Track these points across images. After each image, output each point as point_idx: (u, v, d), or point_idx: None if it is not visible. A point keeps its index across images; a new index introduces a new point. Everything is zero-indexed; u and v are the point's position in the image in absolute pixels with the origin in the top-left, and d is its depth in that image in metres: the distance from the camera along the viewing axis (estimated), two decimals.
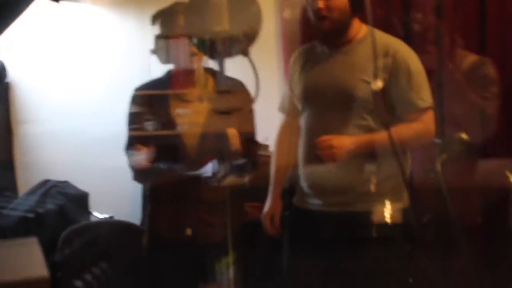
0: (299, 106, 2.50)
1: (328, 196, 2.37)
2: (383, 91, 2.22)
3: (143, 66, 2.86)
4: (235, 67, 2.11)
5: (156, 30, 2.62)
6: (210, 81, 2.55)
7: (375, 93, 2.20)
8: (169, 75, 2.65)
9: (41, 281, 1.71)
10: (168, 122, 2.50)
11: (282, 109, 2.70)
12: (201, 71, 2.53)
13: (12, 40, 3.57)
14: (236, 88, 2.49)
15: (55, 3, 3.53)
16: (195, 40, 2.07)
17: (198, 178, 2.49)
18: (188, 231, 2.49)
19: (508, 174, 2.54)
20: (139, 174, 2.47)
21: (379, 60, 2.27)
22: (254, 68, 2.06)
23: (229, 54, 2.01)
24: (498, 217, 2.71)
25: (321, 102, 2.42)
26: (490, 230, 2.71)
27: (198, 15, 2.04)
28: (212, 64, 2.41)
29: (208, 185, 2.48)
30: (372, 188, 2.31)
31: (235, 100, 2.40)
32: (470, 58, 2.96)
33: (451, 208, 2.08)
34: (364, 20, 2.41)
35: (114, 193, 3.53)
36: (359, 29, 2.42)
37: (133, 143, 2.47)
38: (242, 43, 2.03)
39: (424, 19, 2.83)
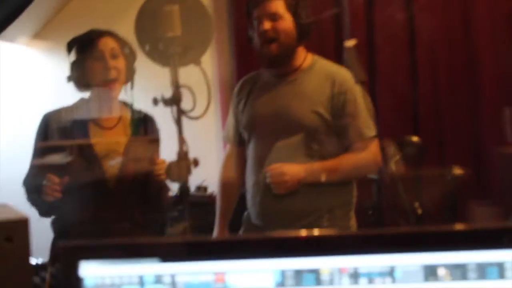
0: (245, 135, 2.45)
1: (276, 225, 2.29)
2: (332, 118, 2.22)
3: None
4: (185, 77, 2.05)
5: (71, 57, 2.54)
6: (126, 112, 2.48)
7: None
8: (83, 102, 2.54)
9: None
10: (87, 149, 2.38)
11: (226, 138, 2.64)
12: (117, 98, 2.46)
13: None
14: (151, 124, 2.41)
15: None
16: (147, 47, 2.01)
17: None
18: None
19: None
20: (48, 207, 2.29)
21: (326, 89, 2.25)
22: (206, 77, 2.00)
23: (183, 62, 1.95)
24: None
25: (270, 131, 2.38)
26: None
27: (150, 23, 1.98)
28: (125, 96, 2.36)
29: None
30: (322, 216, 2.26)
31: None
32: None
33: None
34: (309, 48, 2.38)
35: None
36: (305, 57, 2.41)
37: (38, 174, 2.31)
38: (194, 51, 1.97)
39: None
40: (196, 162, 1.85)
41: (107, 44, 2.29)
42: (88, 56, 2.33)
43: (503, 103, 3.43)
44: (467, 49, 3.83)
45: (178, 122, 1.86)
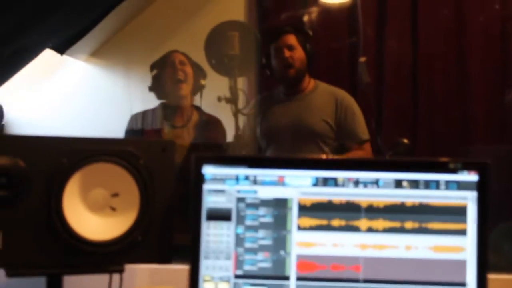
0: (263, 143, 3.16)
1: None
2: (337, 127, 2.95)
3: (126, 115, 3.48)
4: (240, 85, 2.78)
5: (153, 73, 3.27)
6: (195, 115, 3.22)
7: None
8: (161, 105, 3.29)
9: None
10: None
11: (241, 145, 3.27)
12: (188, 104, 3.20)
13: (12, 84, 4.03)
14: (214, 124, 3.15)
15: (58, 54, 4.15)
16: (213, 61, 2.76)
17: None
18: None
19: None
20: None
21: (331, 104, 3.00)
22: (254, 86, 2.75)
23: (239, 74, 2.70)
24: None
25: (287, 137, 3.09)
26: None
27: (217, 44, 2.74)
28: (197, 102, 3.09)
29: None
30: None
31: (213, 134, 3.06)
32: None
33: None
34: (312, 75, 3.13)
35: None
36: (309, 81, 3.15)
37: None
38: (247, 66, 2.72)
39: None
40: (247, 143, 2.57)
41: (177, 56, 3.05)
42: (163, 68, 3.10)
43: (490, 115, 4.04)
44: (459, 68, 4.40)
45: (235, 115, 2.59)
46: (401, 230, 1.47)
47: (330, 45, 3.39)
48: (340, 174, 1.49)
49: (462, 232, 1.47)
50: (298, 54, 3.13)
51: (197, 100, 3.26)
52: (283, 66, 3.12)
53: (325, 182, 1.50)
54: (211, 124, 3.18)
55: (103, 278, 1.53)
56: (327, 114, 3.11)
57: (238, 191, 1.50)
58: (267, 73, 3.22)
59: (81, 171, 1.46)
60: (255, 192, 1.50)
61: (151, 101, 3.48)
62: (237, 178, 1.51)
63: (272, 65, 3.15)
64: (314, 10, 3.76)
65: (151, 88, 3.23)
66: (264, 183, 1.51)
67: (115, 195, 1.50)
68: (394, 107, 4.25)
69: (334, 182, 1.50)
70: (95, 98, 4.71)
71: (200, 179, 1.51)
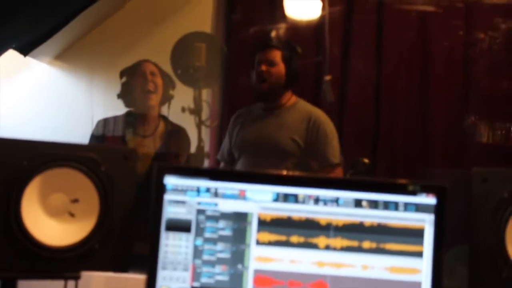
0: (236, 153, 3.18)
1: None
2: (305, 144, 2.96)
3: (87, 120, 3.46)
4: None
5: (123, 80, 3.26)
6: (161, 125, 3.22)
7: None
8: (128, 113, 3.28)
9: None
10: None
11: (221, 157, 3.25)
12: (156, 114, 3.20)
13: None
14: (179, 134, 3.15)
15: (21, 56, 4.11)
16: (179, 71, 2.77)
17: None
18: None
19: None
20: None
21: (304, 123, 3.01)
22: (218, 98, 2.76)
23: (204, 85, 2.70)
24: None
25: (256, 151, 3.09)
26: None
27: (183, 54, 2.74)
28: (164, 111, 3.09)
29: None
30: None
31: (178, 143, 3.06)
32: None
33: None
34: (295, 92, 3.15)
35: None
36: (290, 98, 3.16)
37: None
38: (212, 78, 2.73)
39: None
40: (208, 155, 2.58)
41: (148, 67, 3.05)
42: (133, 76, 3.09)
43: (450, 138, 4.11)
44: (422, 91, 4.46)
45: (199, 127, 2.60)
46: (359, 250, 1.49)
47: None
48: (300, 191, 1.51)
49: (419, 254, 1.49)
50: (277, 70, 3.13)
51: (164, 110, 3.26)
52: (256, 79, 3.12)
53: (286, 198, 1.51)
54: (176, 133, 3.18)
55: (58, 284, 1.52)
56: (297, 132, 3.11)
57: (199, 203, 1.51)
58: (250, 82, 3.23)
59: (41, 175, 1.45)
60: (216, 204, 1.51)
61: (114, 108, 3.46)
62: (198, 190, 1.51)
63: (251, 76, 3.16)
64: (282, 26, 3.78)
65: (119, 96, 3.22)
66: (225, 196, 1.51)
67: (75, 201, 1.49)
68: (357, 126, 4.27)
69: (295, 198, 1.51)
70: (57, 102, 4.67)
71: (161, 189, 1.51)
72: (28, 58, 4.38)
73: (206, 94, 3.20)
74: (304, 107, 3.19)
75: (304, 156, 3.07)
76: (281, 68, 3.10)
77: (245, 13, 4.35)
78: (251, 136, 3.15)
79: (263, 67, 3.08)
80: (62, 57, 4.73)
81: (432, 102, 4.37)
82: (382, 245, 1.48)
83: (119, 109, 3.47)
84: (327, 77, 3.05)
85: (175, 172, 1.52)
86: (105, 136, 3.13)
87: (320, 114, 3.20)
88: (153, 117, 3.18)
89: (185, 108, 2.69)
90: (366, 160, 3.18)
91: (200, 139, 2.63)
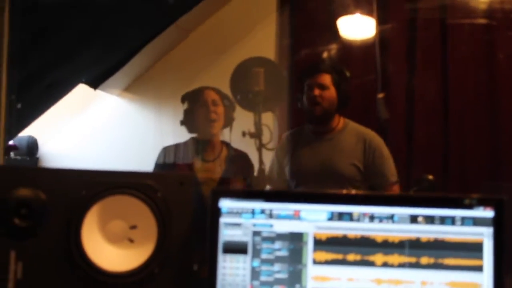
0: (292, 183, 3.17)
1: None
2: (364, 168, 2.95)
3: (157, 148, 3.52)
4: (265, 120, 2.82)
5: (184, 106, 3.33)
6: (224, 150, 3.27)
7: None
8: (192, 140, 3.34)
9: None
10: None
11: (268, 181, 3.21)
12: (218, 139, 3.25)
13: (46, 118, 4.17)
14: (241, 158, 3.19)
15: (91, 89, 4.24)
16: (238, 97, 2.80)
17: None
18: None
19: None
20: None
21: (360, 146, 3.01)
22: (278, 122, 2.77)
23: (263, 109, 2.73)
24: None
25: (315, 180, 3.09)
26: None
27: (242, 79, 2.78)
28: (226, 137, 3.14)
29: None
30: None
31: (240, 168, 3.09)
32: None
33: None
34: (342, 114, 3.16)
35: None
36: (339, 120, 3.16)
37: None
38: (272, 102, 2.75)
39: None
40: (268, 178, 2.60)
41: (210, 95, 3.11)
42: (196, 105, 3.16)
43: None
44: (492, 112, 4.35)
45: (259, 150, 2.62)
46: (417, 266, 1.47)
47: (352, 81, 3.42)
48: (355, 209, 1.50)
49: (478, 268, 1.46)
50: (329, 94, 3.15)
51: (225, 133, 3.31)
52: (310, 104, 3.14)
53: (340, 216, 1.51)
54: (239, 158, 3.22)
55: None
56: (356, 157, 3.12)
57: (254, 225, 1.52)
58: (298, 106, 3.25)
59: (99, 203, 1.49)
60: (271, 226, 1.52)
61: (182, 136, 3.52)
62: (253, 212, 1.53)
63: (302, 100, 3.18)
64: (334, 47, 3.79)
65: (182, 122, 3.29)
66: (279, 217, 1.52)
67: (133, 227, 1.52)
68: (425, 142, 4.21)
69: (349, 216, 1.51)
70: (127, 132, 4.78)
71: (217, 212, 1.53)
72: (98, 91, 4.51)
73: (268, 117, 3.24)
74: (356, 128, 3.20)
75: (364, 178, 3.05)
76: (332, 92, 3.13)
77: (307, 38, 4.36)
78: (307, 165, 3.15)
79: (316, 91, 3.10)
80: (131, 88, 4.84)
81: (501, 114, 4.24)
82: (440, 260, 1.47)
83: (187, 136, 3.53)
84: (380, 95, 3.04)
85: (230, 195, 1.54)
86: (175, 164, 3.20)
87: (373, 134, 3.25)
88: (216, 143, 3.22)
89: (245, 133, 2.72)
90: (430, 177, 3.13)
91: (261, 162, 2.65)
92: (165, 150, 3.29)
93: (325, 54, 3.81)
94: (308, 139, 3.22)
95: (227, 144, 3.30)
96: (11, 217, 1.44)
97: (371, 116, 3.81)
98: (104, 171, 1.51)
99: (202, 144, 3.25)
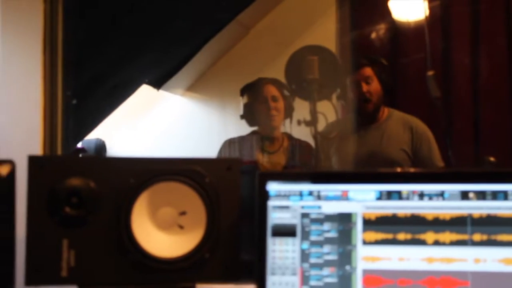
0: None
1: None
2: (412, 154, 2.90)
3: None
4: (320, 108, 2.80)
5: (244, 100, 3.34)
6: (286, 141, 3.26)
7: None
8: (253, 133, 3.35)
9: None
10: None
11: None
12: (279, 131, 3.25)
13: (112, 119, 4.25)
14: (305, 148, 3.18)
15: (155, 90, 4.29)
16: (293, 86, 2.80)
17: None
18: None
19: None
20: None
21: (407, 133, 2.97)
22: (335, 109, 2.75)
23: (318, 98, 2.72)
24: None
25: (365, 166, 3.08)
26: None
27: (296, 68, 2.77)
28: (287, 128, 3.13)
29: None
30: None
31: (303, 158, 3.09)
32: None
33: None
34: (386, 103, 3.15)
35: None
36: (384, 111, 3.16)
37: None
38: (327, 90, 2.73)
39: None
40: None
41: (269, 91, 3.12)
42: (255, 100, 3.18)
43: None
44: None
45: (315, 138, 2.61)
46: (469, 243, 1.44)
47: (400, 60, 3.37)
48: (404, 187, 1.48)
49: None
50: (375, 86, 3.16)
51: (286, 123, 3.32)
52: (361, 100, 3.14)
53: (389, 195, 1.49)
54: (302, 148, 3.22)
55: None
56: (404, 142, 3.11)
57: (302, 207, 1.52)
58: (342, 104, 3.25)
59: (148, 190, 1.51)
60: (319, 207, 1.51)
61: (247, 132, 3.54)
62: (301, 194, 1.52)
63: (348, 96, 3.17)
64: (382, 27, 3.73)
65: (242, 116, 3.30)
66: (328, 198, 1.51)
67: (183, 213, 1.54)
68: (491, 122, 4.10)
69: (398, 195, 1.48)
70: (192, 131, 4.82)
71: (265, 195, 1.53)
72: (161, 92, 4.57)
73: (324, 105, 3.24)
74: (401, 117, 3.21)
75: (413, 164, 3.03)
76: (376, 84, 3.14)
77: (367, 30, 4.32)
78: (356, 151, 3.14)
79: (365, 87, 3.10)
80: (194, 87, 4.89)
81: None
82: (493, 237, 1.43)
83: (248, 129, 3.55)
84: (430, 73, 2.99)
85: (277, 178, 1.54)
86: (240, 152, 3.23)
87: (419, 122, 3.27)
88: (277, 134, 3.23)
89: (300, 121, 2.71)
90: (492, 158, 3.05)
91: (317, 151, 2.64)
92: (227, 143, 3.31)
93: (373, 35, 3.76)
94: (355, 130, 3.21)
95: (288, 135, 3.29)
96: (63, 206, 1.47)
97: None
98: (152, 158, 1.53)
99: (263, 136, 3.26)
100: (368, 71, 3.19)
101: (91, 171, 1.51)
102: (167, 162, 1.54)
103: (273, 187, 1.53)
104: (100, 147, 4.55)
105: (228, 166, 1.56)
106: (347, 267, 1.48)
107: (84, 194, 1.49)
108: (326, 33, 4.54)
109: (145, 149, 4.74)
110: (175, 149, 4.69)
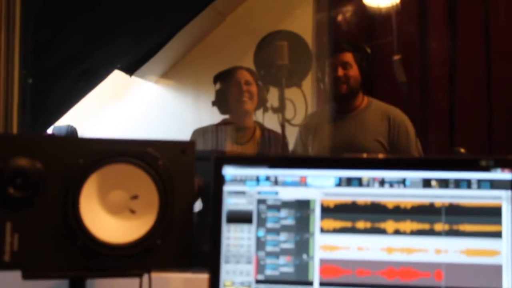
0: None
1: None
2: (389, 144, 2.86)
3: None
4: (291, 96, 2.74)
5: (217, 87, 3.27)
6: (258, 131, 3.19)
7: None
8: (224, 121, 3.28)
9: None
10: None
11: None
12: (251, 120, 3.18)
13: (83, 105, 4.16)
14: (275, 139, 3.11)
15: (127, 76, 4.21)
16: (262, 72, 2.73)
17: None
18: None
19: None
20: None
21: (384, 123, 2.92)
22: (304, 96, 2.69)
23: (288, 84, 2.65)
24: None
25: None
26: None
27: (265, 54, 2.70)
28: (259, 118, 3.06)
29: None
30: None
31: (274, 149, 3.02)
32: None
33: None
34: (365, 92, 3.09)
35: None
36: (363, 99, 3.09)
37: None
38: (297, 76, 2.67)
39: None
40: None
41: (243, 75, 3.04)
42: (228, 84, 3.10)
43: None
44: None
45: (282, 126, 2.55)
46: (431, 233, 1.39)
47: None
48: (364, 174, 1.42)
49: (497, 235, 1.37)
50: (353, 72, 3.11)
51: (258, 115, 3.24)
52: (335, 83, 3.08)
53: (349, 182, 1.43)
54: (274, 139, 3.16)
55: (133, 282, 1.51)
56: (380, 133, 3.05)
57: (259, 193, 1.45)
58: (320, 87, 3.20)
59: (98, 172, 1.44)
60: (276, 193, 1.45)
61: (219, 119, 3.47)
62: (257, 179, 1.46)
63: (325, 81, 3.12)
64: (349, 9, 3.68)
65: (214, 103, 3.23)
66: (285, 184, 1.45)
67: (135, 197, 1.47)
68: (467, 112, 4.06)
69: (359, 182, 1.42)
70: (165, 119, 4.76)
71: (220, 180, 1.47)
72: (134, 78, 4.49)
73: (309, 91, 3.17)
74: (380, 106, 3.14)
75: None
76: (355, 70, 3.07)
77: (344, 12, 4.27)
78: (332, 141, 3.08)
79: (340, 72, 3.03)
80: (168, 75, 4.82)
81: None
82: (455, 227, 1.37)
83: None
84: (396, 57, 2.93)
85: (234, 162, 1.47)
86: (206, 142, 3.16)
87: (398, 112, 3.20)
88: (249, 123, 3.15)
89: (267, 107, 2.65)
90: (462, 150, 3.01)
91: (283, 137, 2.58)
92: (198, 132, 3.23)
93: (339, 17, 3.70)
94: (332, 118, 3.15)
95: (260, 125, 3.22)
96: (6, 187, 1.39)
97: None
98: (103, 139, 1.46)
99: (237, 128, 3.19)
100: (348, 56, 3.14)
101: (38, 150, 1.43)
102: (119, 143, 1.47)
103: (229, 171, 1.46)
104: (71, 133, 4.46)
105: (183, 149, 1.48)
106: (304, 256, 1.43)
107: (30, 174, 1.41)
108: (303, 20, 4.48)
109: (117, 136, 4.64)
110: (147, 137, 4.59)
